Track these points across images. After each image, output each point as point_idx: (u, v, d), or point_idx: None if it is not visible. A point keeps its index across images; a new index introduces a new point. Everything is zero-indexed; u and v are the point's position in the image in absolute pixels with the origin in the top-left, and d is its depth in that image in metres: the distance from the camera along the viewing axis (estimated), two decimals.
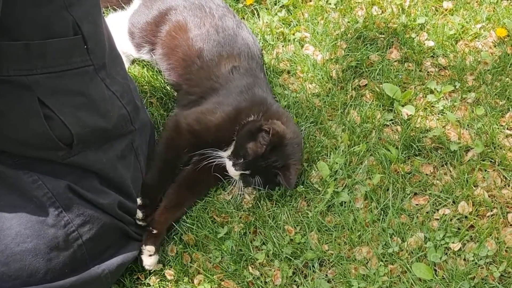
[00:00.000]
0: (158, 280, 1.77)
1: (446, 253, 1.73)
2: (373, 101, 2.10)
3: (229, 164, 1.87)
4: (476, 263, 1.69)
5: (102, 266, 1.62)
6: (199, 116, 1.91)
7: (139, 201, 1.79)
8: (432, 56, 2.23)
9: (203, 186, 1.95)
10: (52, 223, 1.51)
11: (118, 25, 2.24)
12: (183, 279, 1.76)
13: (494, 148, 1.93)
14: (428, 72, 2.18)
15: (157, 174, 1.88)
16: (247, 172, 1.85)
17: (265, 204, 1.88)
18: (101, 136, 1.62)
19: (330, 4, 2.43)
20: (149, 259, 1.76)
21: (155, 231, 1.80)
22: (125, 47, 2.23)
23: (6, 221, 1.47)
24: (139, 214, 1.79)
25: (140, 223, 1.79)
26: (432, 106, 2.08)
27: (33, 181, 1.52)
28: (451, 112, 2.04)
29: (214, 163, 1.88)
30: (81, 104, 1.54)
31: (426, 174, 1.90)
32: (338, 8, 2.41)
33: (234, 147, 1.88)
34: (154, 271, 1.78)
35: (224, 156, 1.89)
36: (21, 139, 1.49)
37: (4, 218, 1.47)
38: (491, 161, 1.91)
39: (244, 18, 2.40)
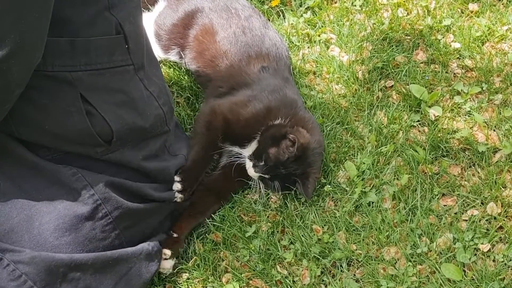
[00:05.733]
0: (185, 278, 1.78)
1: (475, 254, 1.72)
2: (399, 102, 2.10)
3: (249, 164, 1.88)
4: (505, 264, 1.68)
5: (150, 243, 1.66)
6: (232, 106, 1.92)
7: (179, 186, 1.79)
8: (458, 57, 2.22)
9: (227, 191, 1.95)
10: (89, 216, 1.53)
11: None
12: (211, 277, 1.77)
13: None
14: (454, 73, 2.18)
15: (200, 153, 1.87)
16: (267, 176, 1.86)
17: (292, 203, 1.88)
18: (138, 134, 1.65)
19: (355, 6, 2.43)
20: (163, 262, 1.76)
21: (175, 235, 1.81)
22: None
23: (45, 215, 1.49)
24: (179, 196, 1.80)
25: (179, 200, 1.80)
26: (459, 108, 2.07)
27: (73, 174, 1.54)
28: (478, 113, 2.04)
29: (236, 163, 1.89)
30: (121, 101, 1.57)
31: (454, 175, 1.90)
32: (363, 10, 2.41)
33: (256, 147, 1.88)
34: (181, 269, 1.80)
35: (245, 155, 1.90)
36: (61, 134, 1.52)
37: (43, 212, 1.49)
38: None
39: (269, 20, 2.41)
